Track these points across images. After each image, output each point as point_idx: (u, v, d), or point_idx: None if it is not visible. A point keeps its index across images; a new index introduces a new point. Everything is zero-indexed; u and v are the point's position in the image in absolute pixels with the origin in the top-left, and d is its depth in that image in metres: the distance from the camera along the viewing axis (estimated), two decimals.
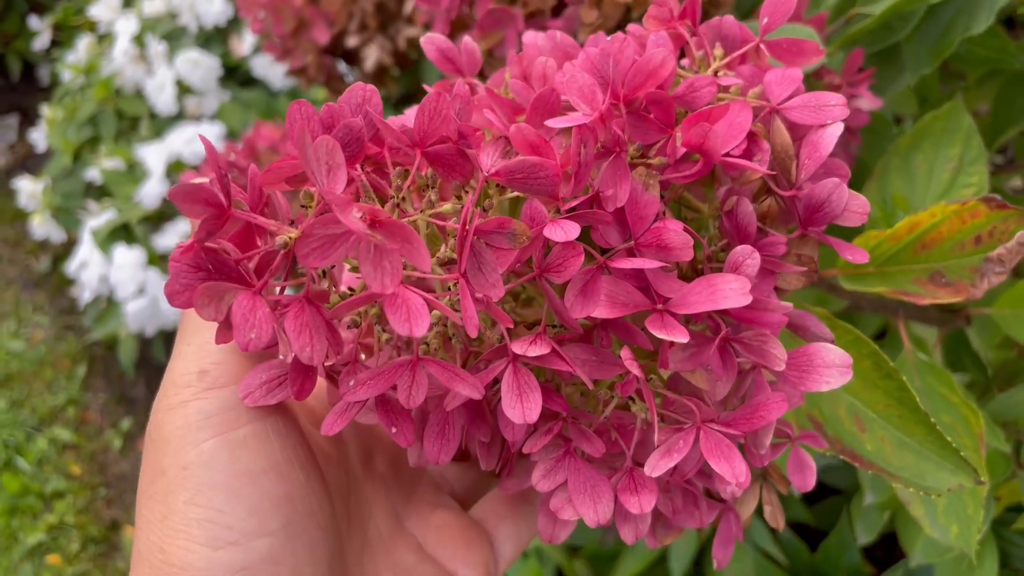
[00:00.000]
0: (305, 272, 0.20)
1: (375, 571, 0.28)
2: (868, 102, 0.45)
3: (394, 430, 0.22)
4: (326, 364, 0.23)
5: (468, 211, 0.19)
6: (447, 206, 0.22)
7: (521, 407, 0.21)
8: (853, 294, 0.50)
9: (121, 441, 1.49)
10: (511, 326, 0.21)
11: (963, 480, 0.35)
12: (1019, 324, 0.52)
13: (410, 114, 0.23)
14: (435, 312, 0.21)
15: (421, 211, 0.21)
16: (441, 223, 0.21)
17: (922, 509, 0.50)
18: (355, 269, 0.23)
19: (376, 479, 0.30)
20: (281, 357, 0.19)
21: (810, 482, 0.29)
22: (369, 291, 0.18)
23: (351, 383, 0.21)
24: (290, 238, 0.18)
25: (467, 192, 0.23)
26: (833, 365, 0.24)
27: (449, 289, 0.21)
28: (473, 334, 0.19)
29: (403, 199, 0.22)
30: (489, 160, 0.21)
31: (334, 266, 0.21)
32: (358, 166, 0.21)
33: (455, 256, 0.21)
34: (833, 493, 0.97)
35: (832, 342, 0.25)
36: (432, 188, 0.22)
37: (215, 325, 0.24)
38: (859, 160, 0.55)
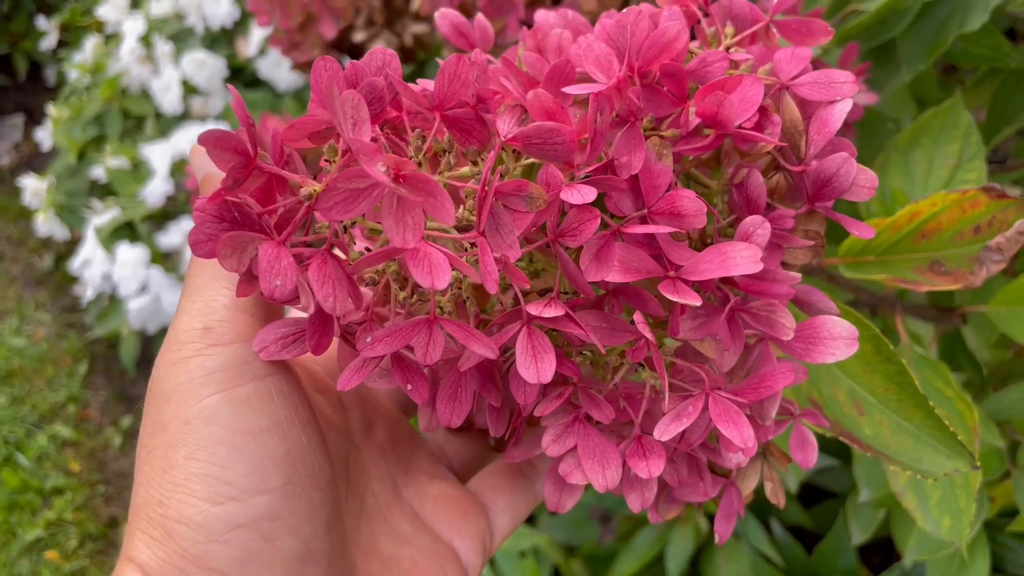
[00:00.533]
0: (327, 228, 0.21)
1: (372, 537, 0.28)
2: (864, 97, 0.46)
3: (409, 387, 0.22)
4: (342, 322, 0.23)
5: (488, 171, 0.20)
6: (465, 169, 0.22)
7: (536, 367, 0.21)
8: (853, 288, 0.51)
9: (121, 439, 1.49)
10: (527, 286, 0.21)
11: (959, 465, 0.35)
12: (1015, 322, 0.53)
13: (424, 84, 0.24)
14: (452, 273, 0.22)
15: (440, 173, 0.22)
16: (459, 184, 0.22)
17: (915, 501, 0.50)
18: (374, 232, 0.24)
19: (375, 448, 0.31)
20: (302, 309, 0.20)
21: (812, 459, 0.30)
22: (391, 246, 0.19)
23: (368, 340, 0.21)
24: (315, 190, 0.19)
25: (482, 160, 0.24)
26: (839, 337, 0.24)
27: (466, 249, 0.22)
28: (493, 290, 0.19)
29: (420, 163, 0.22)
30: (506, 126, 0.22)
31: (355, 223, 0.22)
32: (377, 127, 0.22)
33: (472, 219, 0.22)
34: (829, 496, 0.97)
35: (837, 315, 0.26)
36: (449, 153, 0.23)
37: (220, 283, 0.24)
38: None
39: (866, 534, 0.76)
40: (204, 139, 0.17)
